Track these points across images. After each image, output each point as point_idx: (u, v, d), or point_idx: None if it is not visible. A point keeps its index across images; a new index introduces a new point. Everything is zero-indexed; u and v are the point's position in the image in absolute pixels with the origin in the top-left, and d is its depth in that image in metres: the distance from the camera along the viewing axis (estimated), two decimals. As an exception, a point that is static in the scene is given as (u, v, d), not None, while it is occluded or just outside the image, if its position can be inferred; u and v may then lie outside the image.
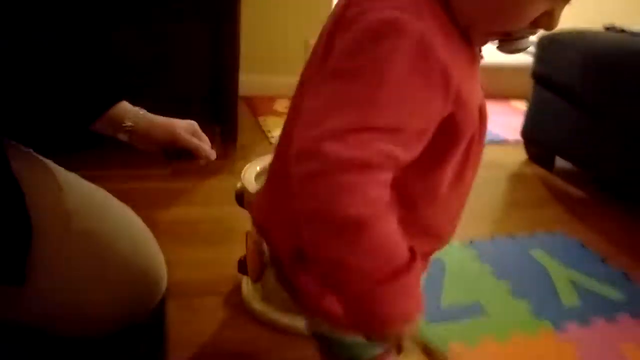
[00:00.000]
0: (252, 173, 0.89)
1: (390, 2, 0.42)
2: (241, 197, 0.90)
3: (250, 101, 2.06)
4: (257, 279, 0.88)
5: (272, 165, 0.57)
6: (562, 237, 1.27)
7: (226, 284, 0.97)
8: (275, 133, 1.80)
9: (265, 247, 0.56)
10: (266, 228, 0.56)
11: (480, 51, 0.50)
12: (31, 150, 0.74)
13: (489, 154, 2.12)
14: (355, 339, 0.48)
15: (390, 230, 0.41)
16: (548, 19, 0.43)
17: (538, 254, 1.18)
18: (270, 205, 0.56)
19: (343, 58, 0.42)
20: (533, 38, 0.46)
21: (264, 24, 1.95)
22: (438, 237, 0.53)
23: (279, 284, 0.56)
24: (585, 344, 0.90)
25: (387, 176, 0.40)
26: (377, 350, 0.54)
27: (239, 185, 0.91)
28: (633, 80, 1.32)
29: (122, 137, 0.77)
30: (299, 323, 0.87)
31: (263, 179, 0.88)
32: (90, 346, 0.74)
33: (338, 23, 0.45)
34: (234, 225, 1.18)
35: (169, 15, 1.35)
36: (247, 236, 0.89)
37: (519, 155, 1.86)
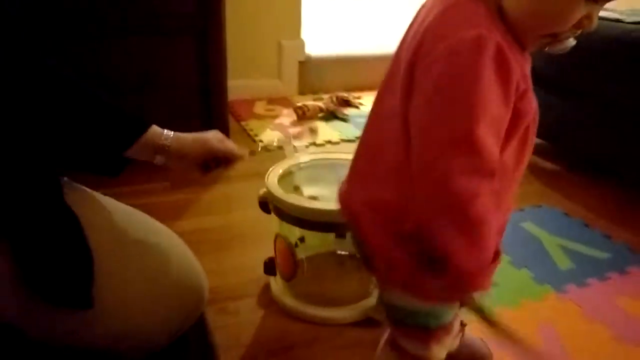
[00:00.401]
0: (274, 178, 0.93)
1: (465, 22, 0.49)
2: (265, 203, 0.95)
3: (230, 106, 2.08)
4: (290, 278, 0.93)
5: (360, 156, 0.64)
6: (547, 208, 1.38)
7: (256, 286, 1.02)
8: (261, 136, 1.84)
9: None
10: (355, 211, 0.61)
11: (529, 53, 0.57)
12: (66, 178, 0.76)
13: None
14: (432, 307, 0.57)
15: (492, 226, 0.51)
16: (588, 21, 0.51)
17: (529, 226, 1.29)
18: (361, 192, 0.62)
19: (439, 80, 0.50)
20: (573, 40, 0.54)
21: (238, 29, 1.97)
22: (506, 211, 0.61)
23: (364, 263, 0.64)
24: (585, 302, 1.01)
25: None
26: (449, 317, 0.61)
27: (261, 192, 0.96)
28: (597, 58, 1.44)
29: (159, 159, 0.81)
30: (331, 314, 0.94)
31: (286, 181, 0.94)
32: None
33: (417, 52, 0.52)
34: (245, 230, 1.23)
35: (154, 29, 1.37)
36: (276, 238, 0.94)
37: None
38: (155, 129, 0.81)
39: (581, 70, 1.49)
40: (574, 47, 0.55)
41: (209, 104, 1.53)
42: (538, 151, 1.80)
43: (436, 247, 0.51)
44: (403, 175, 0.54)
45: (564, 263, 1.14)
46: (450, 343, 0.65)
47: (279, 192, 0.89)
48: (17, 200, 0.64)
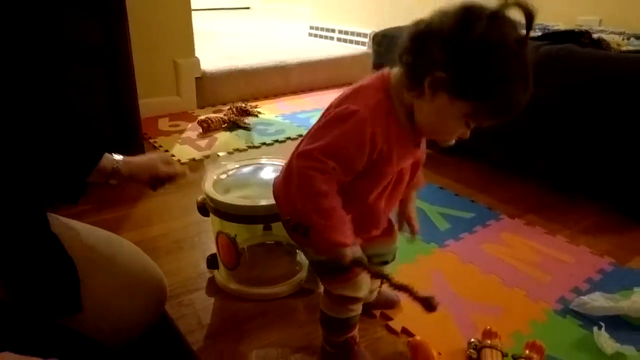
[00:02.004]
0: (210, 185, 1.11)
1: (358, 100, 0.75)
2: (203, 207, 1.12)
3: (135, 126, 2.16)
4: (234, 267, 1.12)
5: (288, 163, 0.86)
6: (427, 185, 1.70)
7: (202, 280, 1.19)
8: (173, 151, 1.96)
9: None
10: (277, 198, 0.88)
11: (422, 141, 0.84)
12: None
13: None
14: (327, 258, 0.82)
15: (334, 201, 0.75)
16: (464, 135, 0.76)
17: (414, 201, 1.59)
18: (282, 186, 0.86)
19: (325, 121, 0.77)
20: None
21: (137, 51, 2.06)
22: (370, 224, 0.88)
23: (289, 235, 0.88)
24: (461, 251, 1.33)
25: (330, 177, 0.75)
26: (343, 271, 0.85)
27: (200, 198, 1.13)
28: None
29: (113, 182, 0.92)
30: (272, 290, 1.14)
31: (217, 187, 1.11)
32: (125, 350, 0.92)
33: (330, 107, 0.80)
34: (180, 235, 1.38)
35: (69, 62, 1.45)
36: (218, 236, 1.11)
37: (375, 130, 2.30)
38: (107, 155, 0.92)
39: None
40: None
41: (123, 127, 1.63)
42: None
43: (302, 219, 0.78)
44: (289, 170, 0.83)
45: (442, 225, 1.46)
46: (366, 283, 0.88)
47: (218, 196, 1.06)
48: (8, 234, 0.75)
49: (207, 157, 1.11)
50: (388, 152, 0.76)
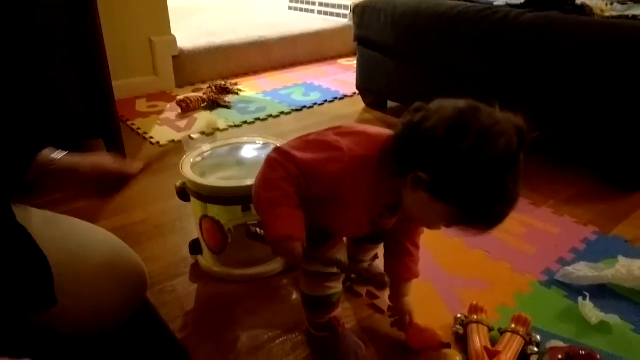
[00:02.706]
0: (188, 169, 1.07)
1: (351, 143, 0.76)
2: (183, 191, 1.09)
3: (111, 108, 2.10)
4: (221, 251, 1.09)
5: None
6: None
7: (184, 266, 1.17)
8: (152, 133, 1.91)
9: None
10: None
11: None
12: None
13: (334, 109, 2.56)
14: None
15: (287, 199, 0.77)
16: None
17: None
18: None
19: (317, 141, 0.81)
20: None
21: (109, 30, 1.99)
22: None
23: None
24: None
25: (292, 181, 0.76)
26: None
27: (179, 183, 1.10)
28: (428, 31, 1.77)
29: (51, 182, 0.80)
30: (258, 271, 1.12)
31: (194, 170, 1.08)
32: (106, 340, 0.90)
33: (339, 127, 0.83)
34: (161, 220, 1.35)
35: (33, 45, 1.38)
36: (202, 220, 1.08)
37: (358, 105, 2.26)
38: (45, 152, 0.79)
39: (421, 43, 1.81)
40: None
41: (97, 110, 1.57)
42: (396, 113, 2.14)
43: (256, 207, 0.80)
44: None
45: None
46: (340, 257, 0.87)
47: (202, 180, 1.03)
48: None
49: (179, 141, 1.07)
50: (354, 197, 0.78)
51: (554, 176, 1.56)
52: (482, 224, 0.71)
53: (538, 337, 0.91)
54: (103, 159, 0.84)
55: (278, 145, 0.80)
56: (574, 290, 1.06)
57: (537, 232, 1.28)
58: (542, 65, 1.46)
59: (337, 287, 0.89)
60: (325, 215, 0.83)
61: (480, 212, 0.69)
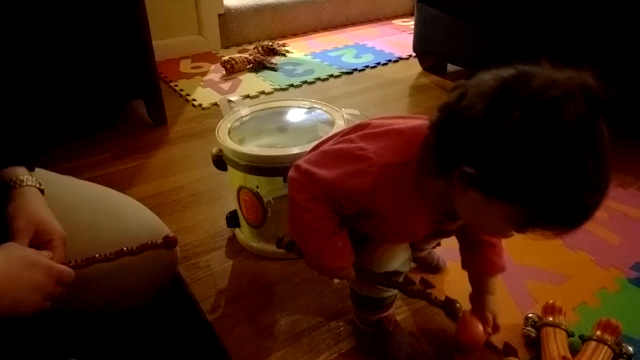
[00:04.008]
0: (225, 135, 0.97)
1: (377, 147, 0.63)
2: (220, 160, 0.99)
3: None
4: (260, 225, 0.99)
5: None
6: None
7: (220, 239, 1.08)
8: (194, 95, 1.83)
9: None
10: None
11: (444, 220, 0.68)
12: None
13: (389, 72, 2.37)
14: None
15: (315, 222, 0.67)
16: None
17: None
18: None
19: (336, 151, 0.67)
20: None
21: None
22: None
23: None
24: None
25: (318, 201, 0.65)
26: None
27: (214, 150, 0.99)
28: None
29: None
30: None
31: (232, 136, 0.97)
32: (136, 316, 0.83)
33: (344, 134, 0.71)
34: (199, 188, 1.27)
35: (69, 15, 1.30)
36: (239, 192, 0.98)
37: (414, 68, 2.08)
38: (14, 170, 0.68)
39: (489, 1, 1.60)
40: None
41: (138, 70, 1.49)
42: (456, 77, 1.94)
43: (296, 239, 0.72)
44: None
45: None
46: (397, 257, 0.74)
47: (237, 146, 0.92)
48: None
49: (216, 104, 0.98)
50: (388, 209, 0.65)
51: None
52: (562, 223, 0.53)
53: (630, 349, 0.75)
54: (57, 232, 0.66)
55: (297, 163, 0.68)
56: (671, 291, 0.89)
57: (623, 219, 1.10)
58: None
59: (392, 289, 0.76)
60: (369, 228, 0.71)
61: (552, 207, 0.51)
